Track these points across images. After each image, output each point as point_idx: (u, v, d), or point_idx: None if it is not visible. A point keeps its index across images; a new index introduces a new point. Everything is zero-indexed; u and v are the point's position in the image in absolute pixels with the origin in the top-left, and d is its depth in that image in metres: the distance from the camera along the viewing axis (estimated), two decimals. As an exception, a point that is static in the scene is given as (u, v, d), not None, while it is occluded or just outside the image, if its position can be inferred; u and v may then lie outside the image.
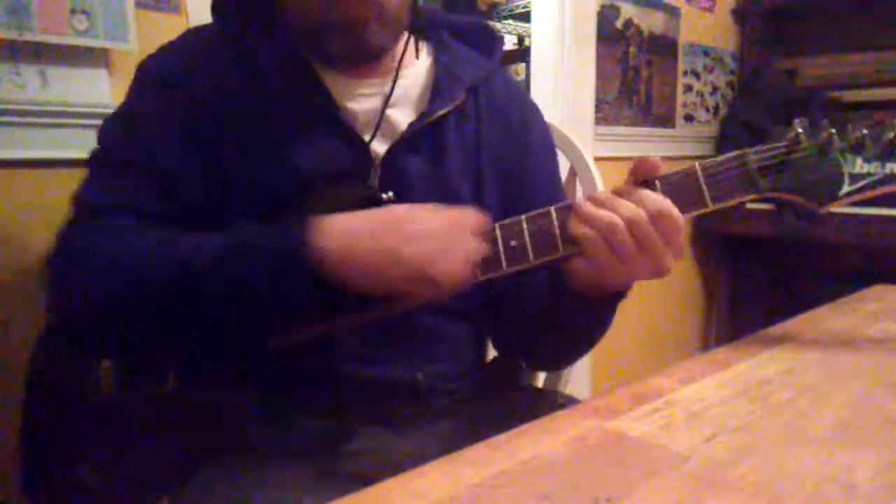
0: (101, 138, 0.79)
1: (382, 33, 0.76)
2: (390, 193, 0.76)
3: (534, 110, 0.93)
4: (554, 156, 0.94)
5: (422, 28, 0.86)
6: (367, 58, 0.79)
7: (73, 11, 1.05)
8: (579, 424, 0.55)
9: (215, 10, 0.83)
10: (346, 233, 0.63)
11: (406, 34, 0.84)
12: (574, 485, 0.45)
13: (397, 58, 0.82)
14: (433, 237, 0.63)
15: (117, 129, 0.79)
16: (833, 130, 0.66)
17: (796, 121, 0.67)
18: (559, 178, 0.94)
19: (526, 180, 0.87)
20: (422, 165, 0.80)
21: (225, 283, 0.64)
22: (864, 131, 0.66)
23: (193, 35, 0.84)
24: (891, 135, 0.65)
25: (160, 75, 0.79)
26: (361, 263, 0.62)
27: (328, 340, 0.75)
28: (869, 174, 0.66)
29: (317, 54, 0.79)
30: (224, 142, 0.77)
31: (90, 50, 1.09)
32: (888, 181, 0.66)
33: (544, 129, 0.93)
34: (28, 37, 1.02)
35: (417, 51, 0.84)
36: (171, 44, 0.83)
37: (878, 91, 2.24)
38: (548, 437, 0.52)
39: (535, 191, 0.87)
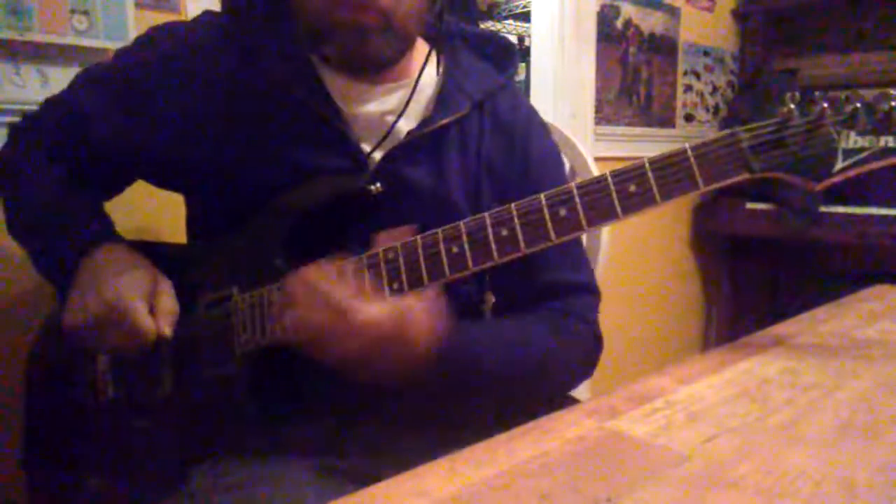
0: (82, 85, 0.86)
1: (386, 43, 0.75)
2: (378, 185, 0.76)
3: (539, 129, 0.91)
4: (558, 169, 0.92)
5: (439, 39, 0.85)
6: (369, 65, 0.79)
7: (73, 11, 1.05)
8: (579, 424, 0.55)
9: (226, 6, 0.83)
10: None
11: (422, 44, 0.83)
12: (574, 485, 0.45)
13: (409, 66, 0.82)
14: None
15: (94, 84, 0.85)
16: (825, 105, 0.63)
17: (788, 95, 0.64)
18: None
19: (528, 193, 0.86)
20: (419, 174, 0.79)
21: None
22: (858, 104, 0.63)
23: (206, 21, 0.84)
24: (885, 107, 0.62)
25: (156, 50, 0.82)
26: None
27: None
28: (863, 148, 0.63)
29: (320, 58, 0.80)
30: (217, 135, 0.78)
31: (90, 50, 1.09)
32: (883, 155, 0.63)
33: (550, 151, 0.90)
34: (28, 37, 1.02)
35: (438, 63, 0.83)
36: (183, 25, 0.86)
37: (878, 91, 2.23)
38: (548, 437, 0.52)
39: None
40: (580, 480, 0.46)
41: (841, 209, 2.12)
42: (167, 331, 0.74)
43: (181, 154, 0.80)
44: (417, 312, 0.65)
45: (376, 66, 0.79)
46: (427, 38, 0.85)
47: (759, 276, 2.52)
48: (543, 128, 0.92)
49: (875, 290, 1.03)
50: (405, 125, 0.80)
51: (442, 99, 0.82)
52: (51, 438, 0.85)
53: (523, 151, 0.86)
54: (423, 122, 0.80)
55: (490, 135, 0.84)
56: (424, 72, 0.83)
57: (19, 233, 0.85)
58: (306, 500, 0.68)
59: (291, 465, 0.73)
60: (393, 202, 0.77)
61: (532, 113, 0.92)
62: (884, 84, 2.22)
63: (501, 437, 0.53)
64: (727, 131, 0.64)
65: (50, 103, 0.88)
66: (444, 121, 0.80)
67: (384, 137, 0.78)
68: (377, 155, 0.78)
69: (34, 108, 0.90)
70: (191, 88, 0.79)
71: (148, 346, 0.73)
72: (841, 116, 0.63)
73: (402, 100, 0.81)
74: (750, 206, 2.28)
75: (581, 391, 0.93)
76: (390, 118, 0.80)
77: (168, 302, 0.75)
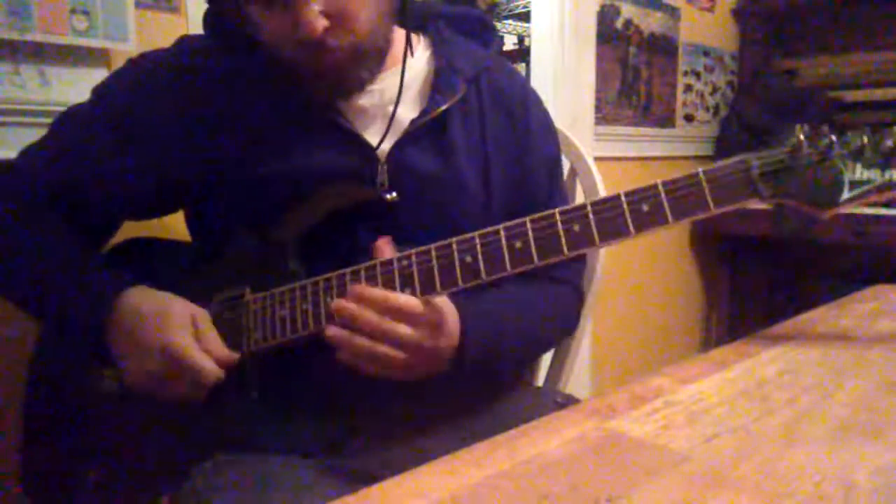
0: (66, 123, 0.84)
1: (362, 67, 0.76)
2: (394, 194, 0.77)
3: (534, 98, 0.93)
4: (554, 138, 0.94)
5: (418, 22, 0.86)
6: (354, 89, 0.79)
7: (73, 11, 1.05)
8: (579, 424, 0.55)
9: (207, 23, 0.84)
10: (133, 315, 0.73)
11: (399, 30, 0.83)
12: (574, 485, 0.45)
13: (397, 52, 0.82)
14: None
15: (81, 120, 0.83)
16: (834, 138, 0.66)
17: (797, 126, 0.67)
18: (559, 165, 0.94)
19: (527, 163, 0.87)
20: (428, 162, 0.80)
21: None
22: (865, 139, 0.66)
23: (189, 42, 0.85)
24: (890, 143, 0.66)
25: (144, 79, 0.82)
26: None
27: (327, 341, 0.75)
28: (869, 181, 0.67)
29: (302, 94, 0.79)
30: (223, 146, 0.78)
31: (90, 50, 1.09)
32: (888, 189, 0.66)
33: (546, 115, 0.93)
34: (28, 37, 1.02)
35: (412, 46, 0.84)
36: (164, 50, 0.85)
37: (878, 91, 2.24)
38: (548, 437, 0.52)
39: (536, 175, 0.88)
40: (580, 480, 0.46)
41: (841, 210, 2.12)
42: (229, 357, 0.73)
43: (186, 176, 0.80)
44: (446, 307, 0.70)
45: (361, 86, 0.79)
46: (404, 26, 0.85)
47: (759, 276, 2.52)
48: (536, 96, 0.94)
49: (875, 290, 1.03)
50: (407, 114, 0.80)
51: (438, 83, 0.82)
52: (52, 434, 0.85)
53: (524, 122, 0.88)
54: (425, 111, 0.80)
55: (490, 110, 0.86)
56: (416, 56, 0.84)
57: (13, 291, 0.80)
58: (307, 500, 0.68)
59: (293, 464, 0.73)
60: (404, 193, 0.77)
61: (524, 81, 0.95)
62: (884, 84, 2.23)
63: (501, 437, 0.53)
64: (738, 157, 0.67)
65: (31, 151, 0.84)
66: (444, 106, 0.81)
67: (388, 128, 0.78)
68: (385, 146, 0.79)
69: (12, 157, 0.85)
70: (188, 110, 0.79)
71: (214, 382, 0.72)
72: (848, 150, 0.66)
73: (396, 88, 0.81)
74: (750, 206, 2.27)
75: (581, 391, 0.93)
76: (390, 108, 0.80)
77: (210, 328, 0.74)
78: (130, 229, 0.92)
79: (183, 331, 0.72)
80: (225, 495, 0.69)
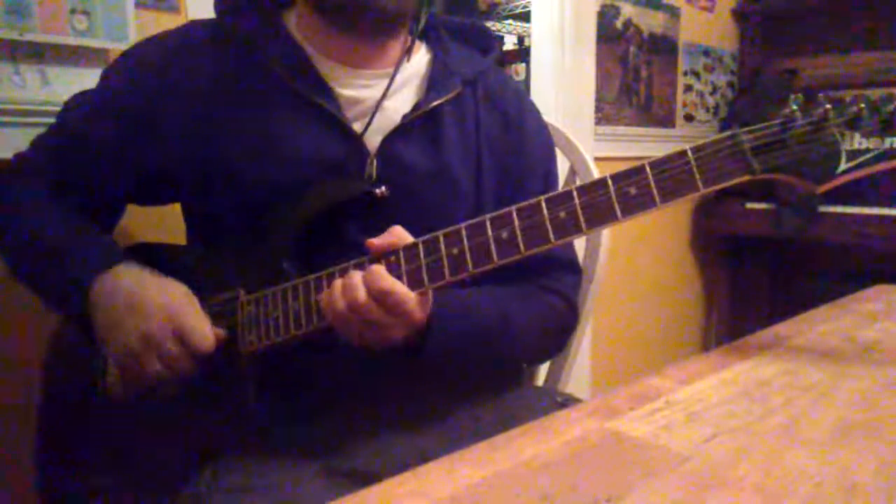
0: (71, 110, 0.86)
1: None
2: (383, 188, 0.77)
3: (529, 105, 0.94)
4: (550, 149, 0.95)
5: (421, 29, 0.87)
6: (372, 15, 0.77)
7: (73, 11, 1.05)
8: (579, 424, 0.55)
9: (218, 5, 0.84)
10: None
11: (407, 35, 0.85)
12: (574, 485, 0.45)
13: (395, 57, 0.83)
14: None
15: (85, 108, 0.85)
16: (829, 106, 0.62)
17: (791, 97, 0.64)
18: (554, 173, 0.94)
19: (521, 166, 0.88)
20: (419, 157, 0.80)
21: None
22: (862, 105, 0.62)
23: (192, 29, 0.85)
24: (890, 108, 0.62)
25: (146, 66, 0.82)
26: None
27: (326, 342, 0.75)
28: (868, 150, 0.63)
29: (326, 17, 0.79)
30: (219, 135, 0.79)
31: (90, 50, 1.09)
32: (888, 157, 0.62)
33: (541, 125, 0.94)
34: (28, 37, 1.02)
35: (412, 50, 0.85)
36: (168, 34, 0.85)
37: (879, 91, 2.23)
38: (548, 437, 0.52)
39: (530, 177, 0.88)
40: (580, 480, 0.46)
41: (840, 209, 2.12)
42: (220, 332, 0.74)
43: (187, 161, 0.80)
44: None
45: (380, 16, 0.77)
46: (412, 31, 0.86)
47: (759, 276, 2.52)
48: (531, 104, 0.94)
49: (875, 290, 1.03)
50: (401, 109, 0.81)
51: (433, 82, 0.83)
52: (61, 440, 0.85)
53: (518, 126, 0.88)
54: (418, 105, 0.81)
55: (485, 111, 0.86)
56: (415, 59, 0.85)
57: (27, 275, 0.83)
58: (307, 500, 0.68)
59: (293, 465, 0.73)
60: (394, 188, 0.77)
61: (520, 90, 0.95)
62: (884, 84, 2.22)
63: (501, 437, 0.53)
64: (728, 133, 0.64)
65: (38, 141, 0.87)
66: (438, 101, 0.81)
67: (372, 116, 0.79)
68: (375, 140, 0.79)
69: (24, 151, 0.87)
70: (190, 94, 0.79)
71: (206, 352, 0.72)
72: (845, 118, 0.62)
73: (396, 84, 0.82)
74: (750, 206, 2.28)
75: (581, 391, 0.93)
76: (386, 103, 0.81)
77: (202, 311, 0.75)
78: (131, 231, 0.92)
79: (185, 299, 0.74)
80: (225, 498, 0.69)
